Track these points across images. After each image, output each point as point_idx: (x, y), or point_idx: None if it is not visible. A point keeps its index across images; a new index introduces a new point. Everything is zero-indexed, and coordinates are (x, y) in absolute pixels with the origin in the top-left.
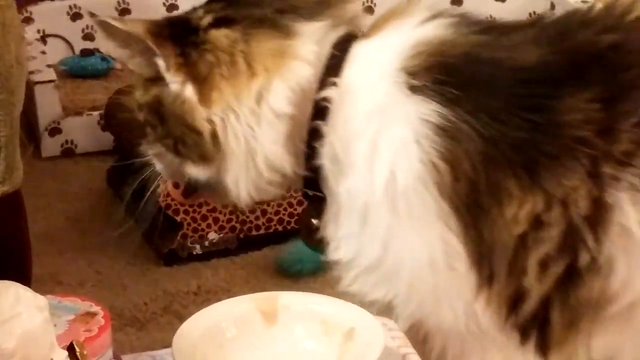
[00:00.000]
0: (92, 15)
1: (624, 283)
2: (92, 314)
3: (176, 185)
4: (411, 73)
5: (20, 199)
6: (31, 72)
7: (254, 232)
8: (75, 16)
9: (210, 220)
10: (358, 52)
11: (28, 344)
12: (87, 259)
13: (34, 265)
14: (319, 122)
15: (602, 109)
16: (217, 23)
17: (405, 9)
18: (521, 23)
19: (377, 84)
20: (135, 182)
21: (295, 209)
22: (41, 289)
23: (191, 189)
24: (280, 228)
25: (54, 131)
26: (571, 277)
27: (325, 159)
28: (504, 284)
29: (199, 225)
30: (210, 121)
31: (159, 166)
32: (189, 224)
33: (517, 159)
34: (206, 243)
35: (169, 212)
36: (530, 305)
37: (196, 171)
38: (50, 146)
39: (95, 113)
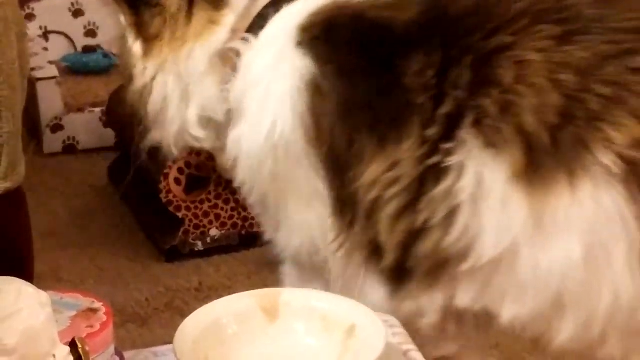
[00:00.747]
0: None
1: (468, 240)
2: (94, 310)
3: (178, 182)
4: (302, 30)
5: (22, 196)
6: (33, 69)
7: (255, 229)
8: (77, 13)
9: (211, 217)
10: (280, 14)
11: (30, 340)
12: (89, 255)
13: (36, 261)
14: (231, 73)
15: (436, 75)
16: None
17: None
18: None
19: (276, 39)
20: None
21: None
22: (43, 285)
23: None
24: None
25: (56, 128)
26: (418, 232)
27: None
28: (361, 233)
29: (201, 221)
30: (145, 75)
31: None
32: (190, 221)
33: (366, 121)
34: (208, 239)
35: (171, 208)
36: (387, 254)
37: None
38: (52, 143)
39: (97, 109)
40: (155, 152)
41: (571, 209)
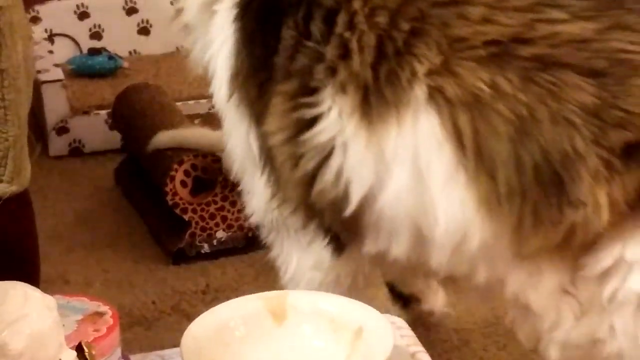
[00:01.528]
0: None
1: (344, 184)
2: (101, 314)
3: (184, 184)
4: None
5: (28, 199)
6: (39, 72)
7: None
8: (83, 15)
9: (218, 219)
10: None
11: (37, 344)
12: (95, 258)
13: (42, 264)
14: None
15: (297, 34)
16: None
17: None
18: None
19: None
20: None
21: None
22: (50, 289)
23: None
24: None
25: (62, 130)
26: (310, 182)
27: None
28: (279, 188)
29: (207, 224)
30: None
31: None
32: (197, 223)
33: (262, 79)
34: (214, 242)
35: (177, 211)
36: (298, 212)
37: None
38: (58, 145)
39: (103, 112)
40: (161, 154)
41: (399, 140)
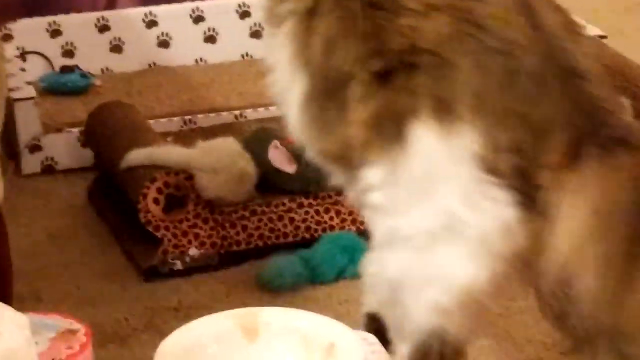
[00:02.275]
0: None
1: None
2: (74, 332)
3: (156, 202)
4: None
5: (0, 217)
6: (11, 90)
7: (234, 248)
8: (55, 33)
9: (190, 236)
10: None
11: None
12: (68, 275)
13: (15, 282)
14: None
15: None
16: None
17: None
18: None
19: None
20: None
21: (276, 225)
22: (22, 307)
23: None
24: (260, 244)
25: (34, 148)
26: None
27: None
28: None
29: (180, 241)
30: None
31: None
32: (169, 240)
33: None
34: (187, 259)
35: (150, 228)
36: None
37: None
38: (31, 163)
39: (75, 130)
40: (134, 172)
41: None
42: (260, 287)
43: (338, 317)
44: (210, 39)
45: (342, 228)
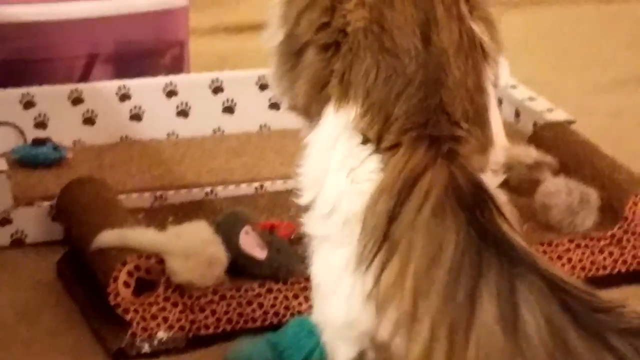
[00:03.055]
0: None
1: None
2: None
3: (127, 285)
4: None
5: None
6: None
7: (202, 331)
8: (28, 104)
9: (159, 320)
10: None
11: None
12: (35, 352)
13: None
14: None
15: None
16: None
17: None
18: None
19: None
20: None
21: (244, 310)
22: None
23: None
24: (229, 328)
25: (4, 221)
26: None
27: None
28: None
29: (148, 324)
30: None
31: None
32: (138, 323)
33: None
34: (155, 342)
35: (119, 311)
36: None
37: None
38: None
39: (46, 203)
40: (105, 253)
41: None
42: None
43: None
44: (183, 113)
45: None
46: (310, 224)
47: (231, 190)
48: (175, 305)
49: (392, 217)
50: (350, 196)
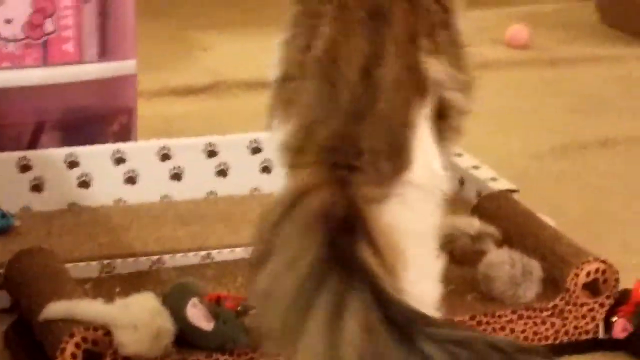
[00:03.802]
0: None
1: None
2: None
3: (74, 357)
4: None
5: None
6: None
7: None
8: None
9: None
10: None
11: None
12: None
13: None
14: None
15: None
16: None
17: None
18: None
19: None
20: None
21: None
22: None
23: None
24: None
25: None
26: None
27: None
28: None
29: None
30: None
31: None
32: None
33: None
34: None
35: None
36: None
37: None
38: None
39: None
40: (52, 325)
41: None
42: None
43: None
44: (130, 180)
45: None
46: None
47: (179, 260)
48: None
49: (275, 226)
50: None
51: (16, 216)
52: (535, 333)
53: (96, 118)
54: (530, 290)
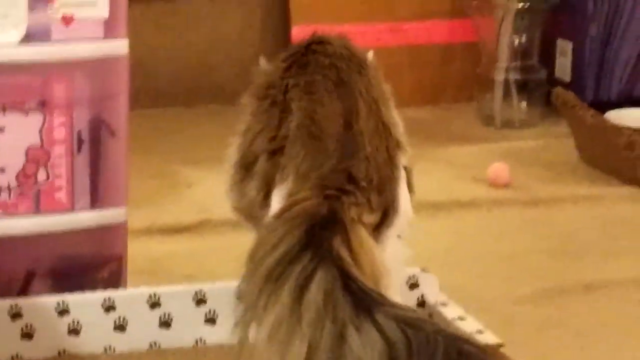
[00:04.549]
0: None
1: None
2: None
3: None
4: None
5: None
6: None
7: None
8: None
9: None
10: None
11: None
12: None
13: None
14: None
15: None
16: None
17: None
18: None
19: None
20: None
21: None
22: None
23: None
24: None
25: None
26: None
27: None
28: None
29: None
30: None
31: None
32: None
33: None
34: None
35: None
36: None
37: None
38: None
39: None
40: None
41: None
42: None
43: None
44: (120, 327)
45: None
46: None
47: None
48: None
49: (267, 227)
50: None
51: None
52: None
53: (87, 266)
54: None
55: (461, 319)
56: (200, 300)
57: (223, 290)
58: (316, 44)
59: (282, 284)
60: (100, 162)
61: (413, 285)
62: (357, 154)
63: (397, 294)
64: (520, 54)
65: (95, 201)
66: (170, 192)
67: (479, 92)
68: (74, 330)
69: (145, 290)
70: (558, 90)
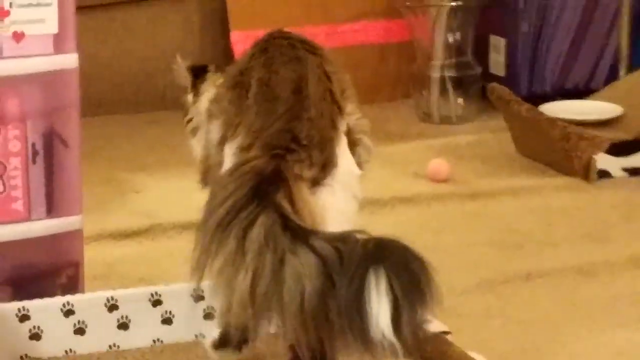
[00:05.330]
0: None
1: None
2: None
3: None
4: None
5: None
6: None
7: None
8: None
9: None
10: None
11: None
12: None
13: None
14: None
15: None
16: None
17: None
18: None
19: None
20: None
21: None
22: None
23: None
24: None
25: None
26: None
27: None
28: None
29: None
30: None
31: None
32: None
33: None
34: None
35: None
36: None
37: None
38: None
39: None
40: None
41: None
42: None
43: None
44: (80, 330)
45: None
46: None
47: None
48: None
49: (218, 183)
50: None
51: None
52: None
53: (45, 272)
54: None
55: None
56: (156, 302)
57: (178, 291)
58: (277, 34)
59: (229, 230)
60: (54, 172)
61: None
62: (302, 115)
63: None
64: (455, 51)
65: (51, 210)
66: (118, 198)
67: (416, 89)
68: (35, 335)
69: (103, 294)
70: (493, 85)
